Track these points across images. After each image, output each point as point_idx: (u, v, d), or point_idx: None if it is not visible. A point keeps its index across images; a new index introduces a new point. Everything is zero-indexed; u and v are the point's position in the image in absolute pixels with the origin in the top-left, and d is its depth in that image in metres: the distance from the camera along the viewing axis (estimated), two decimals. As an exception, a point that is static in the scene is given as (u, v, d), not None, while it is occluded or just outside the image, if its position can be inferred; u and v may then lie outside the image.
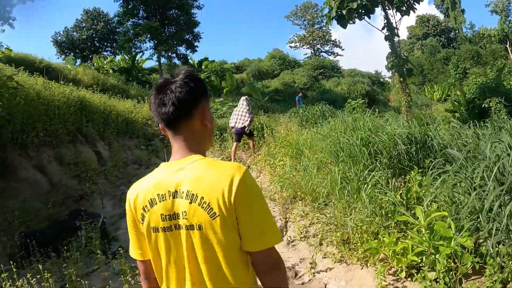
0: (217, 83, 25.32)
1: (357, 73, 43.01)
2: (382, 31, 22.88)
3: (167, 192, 1.49)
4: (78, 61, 37.94)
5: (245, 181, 1.42)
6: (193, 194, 1.43)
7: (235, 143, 10.39)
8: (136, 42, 26.67)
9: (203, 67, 26.76)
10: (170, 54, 28.75)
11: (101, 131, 12.51)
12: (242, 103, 10.72)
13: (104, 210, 8.84)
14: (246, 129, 10.29)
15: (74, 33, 41.27)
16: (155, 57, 27.77)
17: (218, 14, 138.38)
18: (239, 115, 10.45)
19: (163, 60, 29.77)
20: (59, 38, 40.92)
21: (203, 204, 1.41)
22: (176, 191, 1.47)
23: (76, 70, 22.33)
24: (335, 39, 59.96)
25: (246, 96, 11.20)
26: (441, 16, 61.72)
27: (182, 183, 1.46)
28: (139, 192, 1.57)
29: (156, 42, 26.95)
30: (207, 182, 1.43)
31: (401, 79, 23.18)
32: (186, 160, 1.53)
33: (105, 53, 39.60)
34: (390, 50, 16.25)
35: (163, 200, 1.49)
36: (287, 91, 32.45)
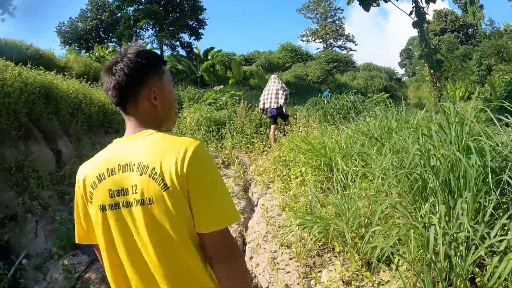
0: (222, 73, 22.23)
1: (373, 67, 39.70)
2: (410, 16, 19.86)
3: (117, 166, 1.33)
4: (83, 51, 35.08)
5: (199, 153, 1.28)
6: (144, 166, 1.27)
7: (272, 126, 8.77)
8: (137, 30, 23.63)
9: (209, 57, 23.70)
10: (173, 42, 25.66)
11: (66, 125, 9.51)
12: (274, 81, 9.25)
13: (33, 242, 5.87)
14: (283, 108, 8.74)
15: (79, 24, 38.61)
16: (155, 45, 24.86)
17: (227, 6, 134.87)
18: (271, 94, 8.98)
19: (166, 50, 26.81)
20: (63, 28, 38.34)
21: (154, 175, 1.25)
22: (126, 164, 1.31)
23: (67, 58, 19.67)
24: (348, 34, 56.76)
25: (275, 75, 9.77)
26: (459, 11, 58.10)
27: (133, 156, 1.31)
28: (89, 169, 1.42)
29: (158, 29, 23.93)
30: (159, 152, 1.27)
31: (432, 71, 20.01)
32: (138, 134, 1.39)
33: (110, 44, 37.10)
34: (409, 42, 12.69)
35: (112, 174, 1.33)
36: (299, 84, 29.30)
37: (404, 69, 62.44)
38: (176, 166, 1.23)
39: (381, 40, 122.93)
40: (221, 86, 10.88)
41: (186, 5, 24.10)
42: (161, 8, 23.45)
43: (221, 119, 9.82)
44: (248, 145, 8.54)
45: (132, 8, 23.51)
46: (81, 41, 38.12)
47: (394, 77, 43.56)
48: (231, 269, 1.29)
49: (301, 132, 6.64)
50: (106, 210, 1.34)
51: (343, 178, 4.42)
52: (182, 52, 26.61)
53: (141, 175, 1.27)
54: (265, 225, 4.64)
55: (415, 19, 19.08)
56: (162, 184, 1.24)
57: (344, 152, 5.08)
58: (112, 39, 39.12)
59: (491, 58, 38.12)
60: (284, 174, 5.85)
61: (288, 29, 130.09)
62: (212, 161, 1.32)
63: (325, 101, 8.58)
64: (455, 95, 33.85)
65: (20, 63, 10.08)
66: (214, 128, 9.36)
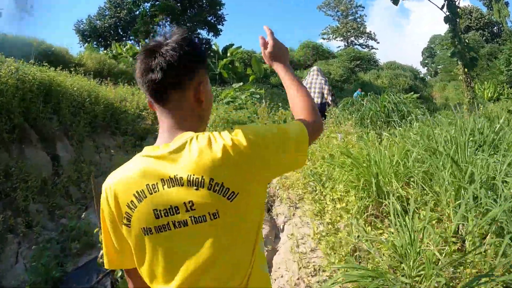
0: (241, 70, 20.97)
1: (397, 66, 37.98)
2: (442, 10, 18.28)
3: (160, 180, 1.10)
4: (102, 49, 34.49)
5: (230, 133, 1.10)
6: (197, 178, 1.05)
7: None
8: (154, 26, 22.56)
9: (228, 54, 22.50)
10: (191, 39, 24.41)
11: (67, 125, 8.50)
12: (317, 73, 8.53)
13: (12, 270, 4.84)
14: (332, 103, 8.08)
15: (97, 22, 37.82)
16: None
17: (246, 4, 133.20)
18: (314, 88, 8.22)
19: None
20: (82, 26, 37.60)
21: (213, 186, 1.05)
22: (171, 178, 1.08)
23: (81, 54, 18.84)
24: (370, 31, 55.00)
25: (317, 66, 8.98)
26: (483, 9, 55.74)
27: (179, 168, 1.08)
28: (120, 185, 1.16)
29: (175, 25, 22.85)
30: (210, 159, 1.05)
31: (465, 70, 18.39)
32: (177, 138, 1.14)
33: (129, 41, 36.37)
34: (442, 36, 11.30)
35: (155, 192, 1.10)
36: (322, 82, 27.89)
37: (426, 68, 60.34)
38: (228, 157, 1.05)
39: (401, 39, 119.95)
40: (240, 84, 9.62)
41: (204, 0, 22.95)
42: (178, 4, 22.38)
43: (240, 120, 8.63)
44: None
45: (149, 4, 22.50)
46: (100, 39, 37.45)
47: (419, 76, 41.90)
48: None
49: (338, 140, 5.36)
50: (152, 233, 1.11)
51: (397, 206, 3.19)
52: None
53: (197, 189, 1.05)
54: (296, 267, 3.44)
55: (447, 13, 17.54)
56: (228, 193, 1.05)
57: (395, 169, 3.84)
58: (130, 37, 38.52)
59: (522, 57, 36.10)
60: (317, 191, 4.63)
61: (309, 27, 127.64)
62: (240, 127, 1.13)
63: (360, 101, 7.23)
64: (483, 96, 32.18)
65: (30, 60, 9.28)
66: (225, 125, 8.19)
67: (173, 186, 1.08)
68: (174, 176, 1.08)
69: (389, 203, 3.27)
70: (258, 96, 10.11)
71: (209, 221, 1.07)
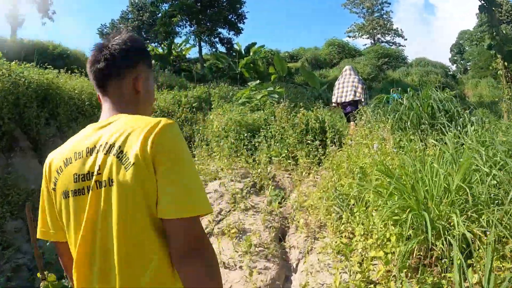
0: (263, 69, 19.78)
1: (427, 62, 36.00)
2: (478, -2, 16.76)
3: (85, 149, 1.22)
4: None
5: (169, 130, 1.15)
6: (110, 145, 1.16)
7: (351, 124, 7.27)
8: (173, 27, 21.66)
9: (251, 53, 21.43)
10: (212, 38, 23.50)
11: (65, 131, 7.67)
12: (350, 72, 8.14)
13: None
14: (363, 102, 7.63)
15: (121, 25, 37.47)
16: (191, 41, 22.77)
17: (269, 3, 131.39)
18: (346, 87, 7.89)
19: (205, 47, 24.77)
20: (105, 30, 37.30)
21: (119, 153, 1.13)
22: (94, 147, 1.20)
23: None
24: (397, 28, 52.97)
25: (350, 65, 8.66)
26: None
27: (102, 138, 1.20)
28: (56, 155, 1.31)
29: (195, 25, 21.91)
30: (127, 131, 1.16)
31: (505, 63, 16.80)
32: (112, 118, 1.28)
33: (153, 44, 35.97)
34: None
35: (80, 158, 1.21)
36: (349, 81, 26.47)
37: (455, 65, 57.79)
38: (142, 145, 1.10)
39: (428, 36, 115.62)
40: (257, 82, 8.47)
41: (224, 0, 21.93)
42: (198, 4, 21.44)
43: (255, 123, 7.52)
44: (290, 160, 6.19)
45: (168, 5, 21.64)
46: (123, 42, 37.14)
47: (450, 73, 39.91)
48: (195, 265, 1.06)
49: (372, 150, 4.15)
50: (68, 197, 1.21)
51: (459, 254, 2.05)
52: (222, 49, 24.39)
53: (105, 154, 1.15)
54: None
55: (482, 2, 15.95)
56: (126, 162, 1.11)
57: (455, 196, 2.68)
58: (156, 39, 38.09)
59: None
60: (343, 219, 3.52)
61: (333, 25, 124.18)
62: (182, 140, 1.18)
63: (396, 99, 5.96)
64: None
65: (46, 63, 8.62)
66: (245, 135, 7.09)
67: (92, 154, 1.18)
68: (97, 144, 1.19)
69: (444, 249, 2.15)
70: (276, 96, 8.90)
71: (108, 187, 1.12)
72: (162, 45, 23.28)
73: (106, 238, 1.11)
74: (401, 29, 53.68)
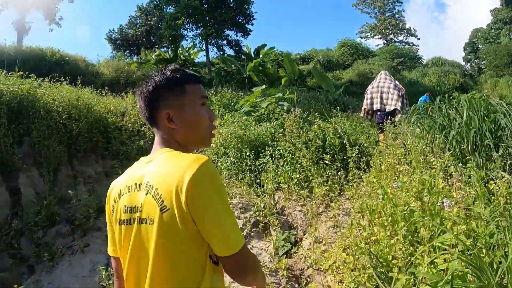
0: (273, 72, 18.30)
1: (443, 62, 34.23)
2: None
3: (134, 184, 1.34)
4: (135, 57, 32.91)
5: (203, 173, 1.20)
6: (150, 186, 1.26)
7: (381, 136, 6.34)
8: (178, 30, 20.36)
9: (260, 55, 20.05)
10: (220, 41, 22.15)
11: (38, 150, 6.48)
12: (385, 77, 7.43)
13: None
14: (398, 112, 6.95)
15: (129, 30, 36.38)
16: (197, 44, 21.41)
17: (279, 5, 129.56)
18: (381, 93, 7.12)
19: (213, 50, 23.46)
20: (114, 35, 36.21)
21: (156, 195, 1.23)
22: (140, 183, 1.31)
23: (98, 63, 17.30)
24: (409, 27, 51.29)
25: (386, 71, 7.93)
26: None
27: (146, 175, 1.30)
28: (115, 185, 1.45)
29: (202, 27, 20.60)
30: (163, 173, 1.25)
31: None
32: (156, 153, 1.38)
33: (162, 49, 34.91)
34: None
35: (129, 192, 1.35)
36: (364, 83, 24.80)
37: (469, 64, 55.78)
38: (176, 193, 1.18)
39: (440, 35, 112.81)
40: (263, 86, 7.05)
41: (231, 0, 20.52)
42: (205, 6, 20.14)
43: (259, 138, 6.16)
44: (303, 187, 4.81)
45: (173, 7, 20.37)
46: (132, 47, 36.23)
47: (467, 72, 38.21)
48: (252, 279, 1.32)
49: (444, 208, 2.74)
50: (121, 224, 1.35)
51: None
52: (230, 52, 23.00)
53: (146, 194, 1.26)
54: None
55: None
56: (162, 205, 1.21)
57: None
58: (164, 44, 37.03)
59: None
60: (382, 278, 2.20)
61: (344, 26, 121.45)
62: (216, 178, 1.23)
63: (439, 108, 4.51)
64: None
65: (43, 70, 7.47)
66: (248, 154, 5.75)
67: (138, 190, 1.30)
68: (141, 182, 1.30)
69: None
70: (285, 104, 7.48)
71: (148, 224, 1.24)
72: (170, 48, 22.11)
73: (152, 270, 1.22)
74: (414, 28, 52.11)
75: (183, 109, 1.38)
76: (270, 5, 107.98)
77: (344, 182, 4.60)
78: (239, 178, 5.45)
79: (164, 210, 1.18)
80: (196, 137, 1.43)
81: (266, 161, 5.54)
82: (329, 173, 4.86)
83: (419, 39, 57.15)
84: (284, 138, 5.77)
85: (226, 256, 1.21)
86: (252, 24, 21.75)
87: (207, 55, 21.35)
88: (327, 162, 5.02)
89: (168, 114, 1.36)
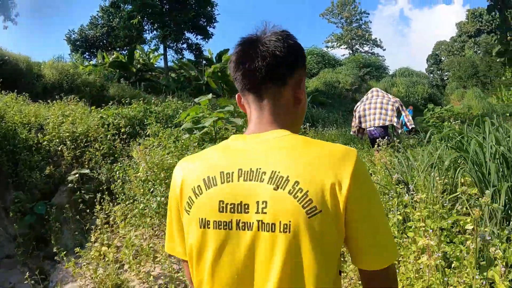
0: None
1: (411, 72, 33.89)
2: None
3: (237, 170, 0.89)
4: (94, 59, 31.03)
5: (360, 168, 0.86)
6: (281, 177, 0.84)
7: (376, 153, 5.51)
8: (133, 30, 18.44)
9: (222, 60, 18.39)
10: (179, 44, 20.33)
11: None
12: (377, 93, 6.91)
13: None
14: (398, 130, 6.50)
15: (90, 31, 34.08)
16: (153, 46, 19.65)
17: (242, 11, 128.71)
18: (373, 109, 6.55)
19: (171, 54, 21.68)
20: (73, 36, 33.60)
21: (297, 192, 0.82)
22: (252, 170, 0.87)
23: (44, 64, 15.28)
24: (375, 38, 51.68)
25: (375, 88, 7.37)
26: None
27: (264, 161, 0.87)
28: (190, 168, 0.96)
29: (159, 29, 18.73)
30: (307, 163, 0.85)
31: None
32: (270, 133, 0.94)
33: (123, 52, 32.63)
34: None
35: (228, 181, 0.89)
36: (331, 92, 23.53)
37: (432, 75, 56.77)
38: (333, 181, 0.82)
39: (404, 47, 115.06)
40: (209, 96, 5.44)
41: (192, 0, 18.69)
42: (166, 6, 18.34)
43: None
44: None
45: (131, 6, 18.55)
46: (92, 49, 33.99)
47: (435, 83, 38.27)
48: None
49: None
50: (209, 227, 0.89)
51: None
52: (190, 56, 21.05)
53: (275, 189, 0.84)
54: None
55: (490, 3, 13.47)
56: (309, 207, 0.82)
57: None
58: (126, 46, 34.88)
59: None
60: None
61: (311, 35, 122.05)
62: (371, 178, 0.94)
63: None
64: (510, 103, 28.21)
65: None
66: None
67: (251, 180, 0.87)
68: (257, 169, 0.87)
69: None
70: (238, 121, 5.77)
71: (280, 233, 0.83)
72: (126, 51, 20.18)
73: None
74: (379, 39, 52.52)
75: (301, 86, 1.02)
76: (233, 8, 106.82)
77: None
78: (159, 247, 3.82)
79: (312, 213, 0.82)
80: (303, 118, 1.07)
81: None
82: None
83: (384, 49, 57.40)
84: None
85: (375, 269, 0.87)
86: (214, 27, 20.07)
87: (165, 58, 19.45)
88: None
89: (303, 83, 1.01)
